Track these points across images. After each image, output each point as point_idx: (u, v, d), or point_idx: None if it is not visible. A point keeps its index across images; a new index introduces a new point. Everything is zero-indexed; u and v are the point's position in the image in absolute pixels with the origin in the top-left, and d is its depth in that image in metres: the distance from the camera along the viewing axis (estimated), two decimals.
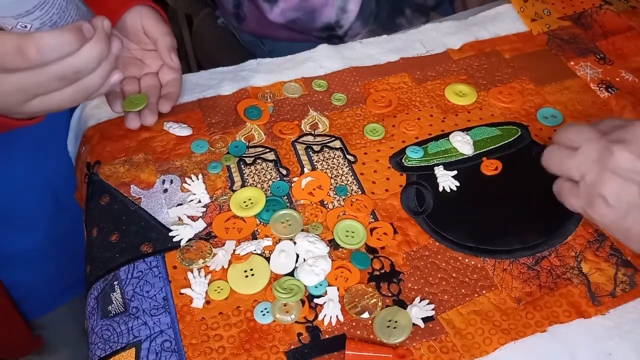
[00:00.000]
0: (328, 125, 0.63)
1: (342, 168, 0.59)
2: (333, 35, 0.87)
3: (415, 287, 0.50)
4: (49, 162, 0.71)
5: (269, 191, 0.57)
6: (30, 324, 0.80)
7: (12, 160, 0.68)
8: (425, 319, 0.47)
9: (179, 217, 0.55)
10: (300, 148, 0.61)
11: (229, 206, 0.55)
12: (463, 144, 0.60)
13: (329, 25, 0.85)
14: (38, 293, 0.79)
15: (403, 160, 0.60)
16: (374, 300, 0.49)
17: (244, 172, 0.59)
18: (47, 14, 0.42)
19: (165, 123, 0.63)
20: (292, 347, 0.46)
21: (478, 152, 0.60)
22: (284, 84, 0.68)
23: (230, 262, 0.51)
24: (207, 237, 0.53)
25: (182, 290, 0.49)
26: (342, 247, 0.52)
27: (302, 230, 0.53)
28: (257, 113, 0.64)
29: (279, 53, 0.96)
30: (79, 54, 0.44)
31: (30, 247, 0.74)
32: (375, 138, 0.62)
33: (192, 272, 0.50)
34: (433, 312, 0.48)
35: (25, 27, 0.42)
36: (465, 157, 0.60)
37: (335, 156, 0.60)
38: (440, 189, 0.57)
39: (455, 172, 0.58)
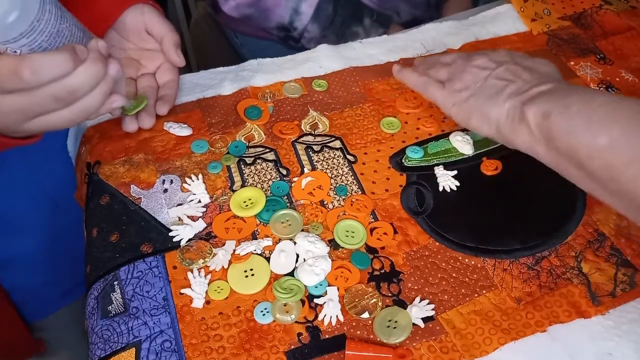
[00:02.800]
0: (328, 125, 0.63)
1: (342, 168, 0.59)
2: (289, 36, 0.86)
3: (415, 287, 0.50)
4: (46, 164, 0.71)
5: (269, 191, 0.57)
6: (30, 326, 0.80)
7: (8, 163, 0.68)
8: (425, 319, 0.47)
9: (179, 217, 0.55)
10: (300, 148, 0.61)
11: (229, 206, 0.55)
12: (463, 144, 0.60)
13: (282, 25, 0.85)
14: (38, 296, 0.79)
15: (403, 160, 0.60)
16: (374, 300, 0.49)
17: (244, 172, 0.59)
18: (35, 41, 0.43)
19: (165, 123, 0.63)
20: (292, 347, 0.46)
21: (478, 152, 0.60)
22: (284, 84, 0.68)
23: (230, 262, 0.51)
24: (207, 237, 0.53)
25: (182, 290, 0.49)
26: (342, 247, 0.52)
27: (302, 230, 0.53)
28: (257, 113, 0.64)
29: (248, 47, 0.97)
30: (74, 74, 0.45)
31: (29, 249, 0.74)
32: (391, 131, 0.62)
33: (192, 272, 0.50)
34: (433, 312, 0.48)
35: (15, 52, 0.42)
36: (465, 157, 0.60)
37: (335, 156, 0.60)
38: (440, 189, 0.57)
39: (455, 172, 0.58)
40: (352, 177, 0.58)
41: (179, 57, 0.61)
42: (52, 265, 0.77)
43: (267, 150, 0.61)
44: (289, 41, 0.88)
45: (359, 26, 0.85)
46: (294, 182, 0.58)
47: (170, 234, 0.53)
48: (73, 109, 0.47)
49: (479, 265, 0.51)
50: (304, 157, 0.60)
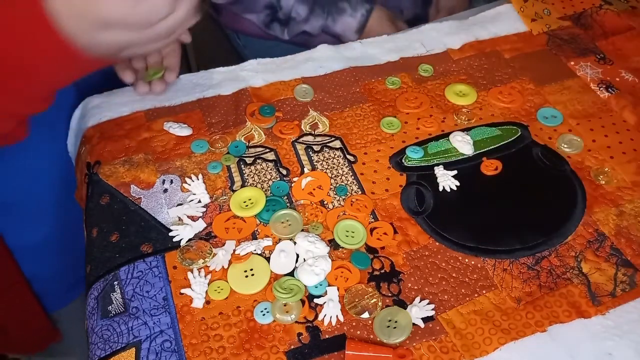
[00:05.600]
0: (328, 125, 0.63)
1: (342, 168, 0.59)
2: (277, 18, 0.86)
3: (415, 287, 0.50)
4: (60, 150, 0.71)
5: (269, 191, 0.57)
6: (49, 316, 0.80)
7: (24, 151, 0.68)
8: (425, 319, 0.47)
9: (179, 217, 0.55)
10: (300, 148, 0.61)
11: (229, 206, 0.55)
12: (463, 144, 0.60)
13: (271, 4, 0.85)
14: (55, 285, 0.79)
15: (403, 160, 0.60)
16: (374, 300, 0.49)
17: (244, 172, 0.59)
18: None
19: (165, 123, 0.63)
20: (292, 347, 0.46)
21: (478, 152, 0.60)
22: (294, 88, 0.67)
23: (230, 262, 0.51)
24: (207, 237, 0.53)
25: (182, 290, 0.49)
26: (342, 247, 0.52)
27: (302, 230, 0.53)
28: (270, 111, 0.64)
29: (251, 47, 0.97)
30: (175, 13, 0.48)
31: (45, 237, 0.74)
32: (391, 131, 0.62)
33: (192, 272, 0.50)
34: (433, 312, 0.48)
35: None
36: (465, 157, 0.60)
37: (335, 156, 0.60)
38: (440, 188, 0.57)
39: (455, 172, 0.58)
40: (352, 177, 0.58)
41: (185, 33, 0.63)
42: (67, 254, 0.77)
43: (267, 150, 0.61)
44: (275, 23, 0.87)
45: (345, 1, 0.85)
46: (294, 182, 0.58)
47: (170, 234, 0.53)
48: (163, 42, 0.51)
49: (479, 265, 0.51)
50: (304, 157, 0.60)
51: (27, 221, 0.72)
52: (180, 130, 0.62)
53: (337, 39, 0.84)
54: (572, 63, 0.71)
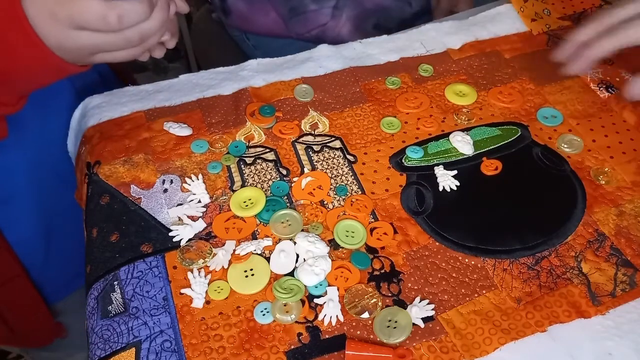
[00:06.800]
0: (328, 125, 0.63)
1: (342, 168, 0.59)
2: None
3: (415, 287, 0.50)
4: (55, 145, 0.71)
5: (269, 191, 0.57)
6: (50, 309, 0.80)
7: (18, 147, 0.68)
8: (425, 319, 0.47)
9: (179, 217, 0.55)
10: (300, 148, 0.61)
11: (229, 206, 0.55)
12: (463, 144, 0.60)
13: None
14: (55, 276, 0.79)
15: (403, 160, 0.60)
16: (374, 300, 0.49)
17: (244, 172, 0.59)
18: None
19: (165, 123, 0.63)
20: (292, 347, 0.46)
21: (478, 152, 0.60)
22: (294, 88, 0.67)
23: (230, 262, 0.51)
24: (207, 237, 0.53)
25: (182, 290, 0.49)
26: (342, 247, 0.52)
27: (302, 230, 0.53)
28: (270, 111, 0.64)
29: (263, 48, 0.97)
30: (149, 20, 0.49)
31: (40, 229, 0.74)
32: (391, 131, 0.62)
33: (192, 272, 0.50)
34: (433, 312, 0.48)
35: None
36: (465, 157, 0.60)
37: (335, 156, 0.60)
38: (440, 188, 0.57)
39: (455, 172, 0.58)
40: (352, 177, 0.58)
41: (183, 2, 0.63)
42: (66, 244, 0.77)
43: (267, 150, 0.61)
44: (294, 19, 0.87)
45: None
46: (294, 182, 0.58)
47: (170, 234, 0.53)
48: (137, 48, 0.51)
49: (479, 265, 0.51)
50: (304, 157, 0.60)
51: (23, 214, 0.72)
52: (180, 130, 0.62)
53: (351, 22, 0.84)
54: None
